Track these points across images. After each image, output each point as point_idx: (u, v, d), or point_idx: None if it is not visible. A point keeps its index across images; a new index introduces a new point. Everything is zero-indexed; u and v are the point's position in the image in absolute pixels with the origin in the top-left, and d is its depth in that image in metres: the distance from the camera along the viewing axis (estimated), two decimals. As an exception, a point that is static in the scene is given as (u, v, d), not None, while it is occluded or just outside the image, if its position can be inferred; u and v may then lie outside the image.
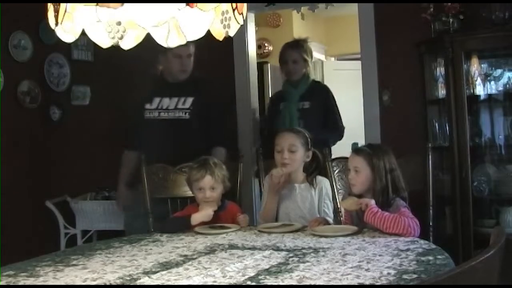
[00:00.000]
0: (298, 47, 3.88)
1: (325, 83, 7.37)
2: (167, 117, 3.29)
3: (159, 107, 3.31)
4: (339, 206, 2.60)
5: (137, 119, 3.34)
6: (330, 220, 2.58)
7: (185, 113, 3.28)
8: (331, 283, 1.50)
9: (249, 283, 1.54)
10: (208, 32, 1.66)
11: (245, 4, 1.77)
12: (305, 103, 3.81)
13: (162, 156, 3.01)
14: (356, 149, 2.44)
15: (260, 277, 1.59)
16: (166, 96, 3.32)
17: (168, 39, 1.61)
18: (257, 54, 4.85)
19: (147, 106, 3.32)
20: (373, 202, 2.22)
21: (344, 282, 1.50)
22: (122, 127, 3.70)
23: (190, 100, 3.30)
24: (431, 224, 2.40)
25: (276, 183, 2.61)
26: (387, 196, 2.26)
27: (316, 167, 2.74)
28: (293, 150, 2.66)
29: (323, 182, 2.70)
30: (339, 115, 3.88)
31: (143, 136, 3.26)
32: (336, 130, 3.81)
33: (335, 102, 3.90)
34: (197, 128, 3.26)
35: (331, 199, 2.68)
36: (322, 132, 3.57)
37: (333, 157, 2.97)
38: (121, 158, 3.41)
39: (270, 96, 4.20)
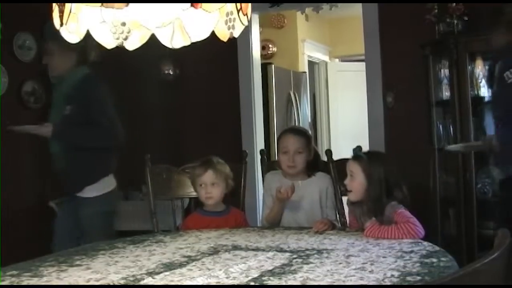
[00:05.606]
0: None
1: (329, 84, 7.43)
2: None
3: None
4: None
5: None
6: (333, 218, 2.59)
7: None
8: (335, 284, 1.50)
9: (252, 284, 1.54)
10: (213, 33, 1.67)
11: (249, 5, 1.77)
12: None
13: None
14: (355, 155, 2.36)
15: (263, 278, 1.59)
16: None
17: (173, 39, 1.61)
18: (261, 55, 4.84)
19: None
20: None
21: (348, 284, 1.49)
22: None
23: None
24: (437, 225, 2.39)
25: (286, 197, 2.60)
26: (381, 204, 2.20)
27: (315, 162, 2.78)
28: (299, 152, 2.71)
29: (325, 178, 2.74)
30: None
31: None
32: None
33: None
34: None
35: (333, 196, 2.72)
36: None
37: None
38: None
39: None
